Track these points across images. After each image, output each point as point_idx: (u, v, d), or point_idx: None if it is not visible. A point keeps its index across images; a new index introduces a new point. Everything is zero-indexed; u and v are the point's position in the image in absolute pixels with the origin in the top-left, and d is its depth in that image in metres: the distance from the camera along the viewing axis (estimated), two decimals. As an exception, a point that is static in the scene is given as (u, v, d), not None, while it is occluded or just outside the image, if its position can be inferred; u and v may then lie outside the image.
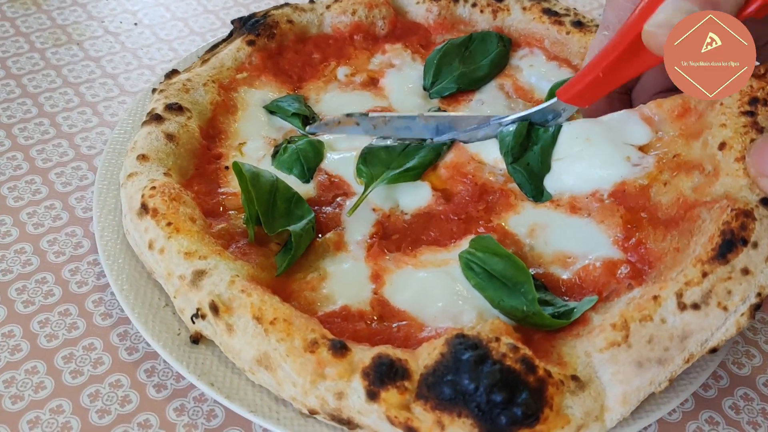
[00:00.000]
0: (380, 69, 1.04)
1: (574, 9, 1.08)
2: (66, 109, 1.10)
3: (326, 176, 0.88)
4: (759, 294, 0.62)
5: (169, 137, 0.86)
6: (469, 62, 1.02)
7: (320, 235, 0.82)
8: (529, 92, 1.02)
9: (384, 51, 1.07)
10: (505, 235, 0.78)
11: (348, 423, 0.62)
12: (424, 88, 1.01)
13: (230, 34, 1.05)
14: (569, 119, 0.82)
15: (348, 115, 0.89)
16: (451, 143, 0.88)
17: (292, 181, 0.87)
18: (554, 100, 0.78)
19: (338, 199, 0.87)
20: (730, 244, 0.62)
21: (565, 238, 0.76)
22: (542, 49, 1.06)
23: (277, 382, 0.64)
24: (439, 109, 0.99)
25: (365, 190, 0.83)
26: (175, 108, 0.89)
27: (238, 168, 0.78)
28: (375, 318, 0.73)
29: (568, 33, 1.03)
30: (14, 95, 1.11)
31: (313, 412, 0.63)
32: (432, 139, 0.89)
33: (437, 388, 0.59)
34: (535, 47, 1.06)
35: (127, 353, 0.77)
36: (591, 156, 0.79)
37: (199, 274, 0.70)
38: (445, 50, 1.02)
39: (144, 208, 0.76)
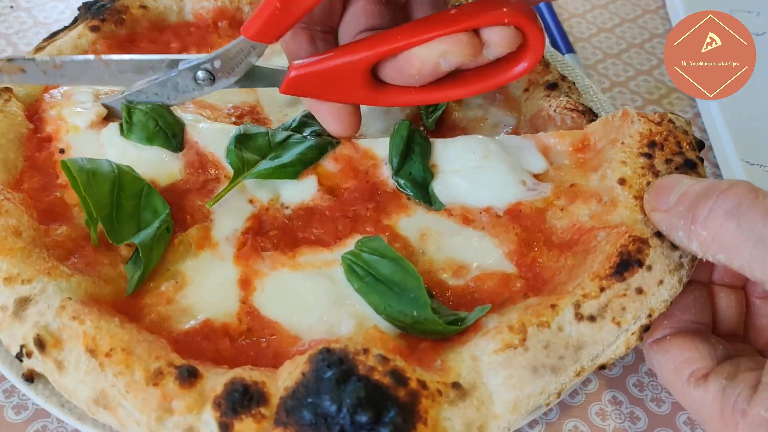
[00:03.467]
0: None
1: None
2: None
3: (197, 155, 0.82)
4: (649, 315, 0.66)
5: (-15, 123, 0.76)
6: None
7: (182, 231, 0.74)
8: None
9: None
10: (395, 237, 0.77)
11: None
12: None
13: (75, 21, 0.96)
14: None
15: (9, 60, 0.81)
16: (338, 140, 0.83)
17: (153, 155, 0.81)
18: (240, 38, 0.75)
19: (209, 186, 0.81)
20: (627, 263, 0.67)
21: (457, 246, 0.76)
22: None
23: (119, 423, 0.60)
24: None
25: (233, 179, 0.79)
26: (-1, 91, 0.79)
27: (67, 168, 0.71)
28: (243, 332, 0.68)
29: None
30: None
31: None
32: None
33: (297, 413, 0.56)
34: None
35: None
36: (486, 173, 0.80)
37: (23, 302, 0.65)
38: None
39: (-49, 225, 0.67)
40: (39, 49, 0.93)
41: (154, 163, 0.80)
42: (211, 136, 0.82)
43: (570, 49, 1.20)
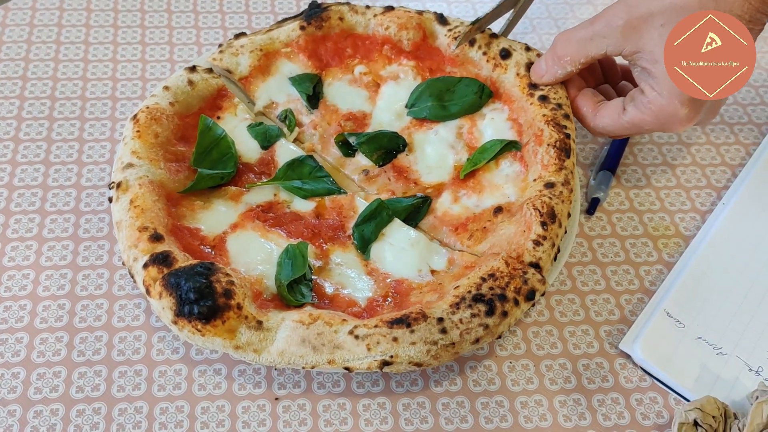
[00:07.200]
0: (387, 77, 1.44)
1: (563, 96, 1.29)
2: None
3: (270, 157, 1.36)
4: (392, 356, 1.00)
5: (190, 82, 1.39)
6: (446, 99, 1.37)
7: (233, 186, 1.28)
8: (476, 139, 1.34)
9: (400, 63, 1.46)
10: (325, 255, 1.22)
11: (132, 276, 1.09)
12: (406, 106, 1.41)
13: (302, 12, 1.51)
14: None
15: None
16: (344, 191, 1.31)
17: (250, 143, 1.36)
18: None
19: (264, 175, 1.35)
20: (400, 321, 1.01)
21: (351, 279, 1.19)
22: (511, 109, 1.34)
23: (118, 239, 1.14)
24: (409, 126, 1.39)
25: (271, 180, 1.32)
26: (210, 70, 1.40)
27: (202, 119, 1.28)
28: (209, 246, 1.17)
29: (531, 104, 1.29)
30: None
31: (124, 264, 1.11)
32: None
33: (170, 277, 1.06)
34: (506, 106, 1.36)
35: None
36: (403, 255, 1.20)
37: (129, 165, 1.23)
38: (432, 83, 1.40)
39: (134, 117, 1.29)
40: (269, 30, 1.46)
41: (247, 147, 1.35)
42: (286, 152, 1.35)
43: (612, 170, 1.35)
